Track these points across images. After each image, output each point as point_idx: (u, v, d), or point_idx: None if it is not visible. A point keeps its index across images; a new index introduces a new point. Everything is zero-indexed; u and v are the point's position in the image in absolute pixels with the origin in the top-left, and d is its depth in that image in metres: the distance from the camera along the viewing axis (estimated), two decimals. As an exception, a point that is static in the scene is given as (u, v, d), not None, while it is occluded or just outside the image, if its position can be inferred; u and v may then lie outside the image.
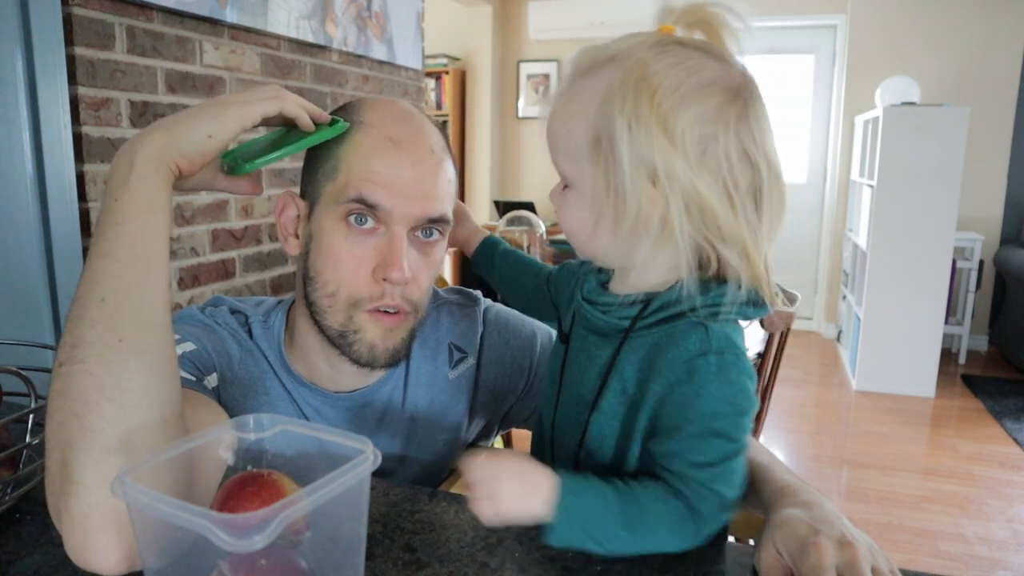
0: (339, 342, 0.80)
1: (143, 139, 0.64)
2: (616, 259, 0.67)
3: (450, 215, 0.82)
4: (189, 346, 0.79)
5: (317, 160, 0.81)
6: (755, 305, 0.63)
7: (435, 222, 0.80)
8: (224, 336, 0.85)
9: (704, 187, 0.58)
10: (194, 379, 0.77)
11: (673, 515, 0.59)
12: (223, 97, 0.70)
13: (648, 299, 0.65)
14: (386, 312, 0.79)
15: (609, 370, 0.66)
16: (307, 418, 0.86)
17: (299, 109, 0.73)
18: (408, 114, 0.82)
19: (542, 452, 0.78)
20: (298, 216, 0.83)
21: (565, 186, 0.66)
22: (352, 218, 0.77)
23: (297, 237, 0.83)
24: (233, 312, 0.90)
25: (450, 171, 0.83)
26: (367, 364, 0.80)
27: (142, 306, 0.60)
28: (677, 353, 0.61)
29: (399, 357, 0.82)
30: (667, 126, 0.57)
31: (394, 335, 0.80)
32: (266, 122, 0.72)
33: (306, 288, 0.81)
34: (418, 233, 0.80)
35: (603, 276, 0.72)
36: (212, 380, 0.80)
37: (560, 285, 0.85)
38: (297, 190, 0.86)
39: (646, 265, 0.64)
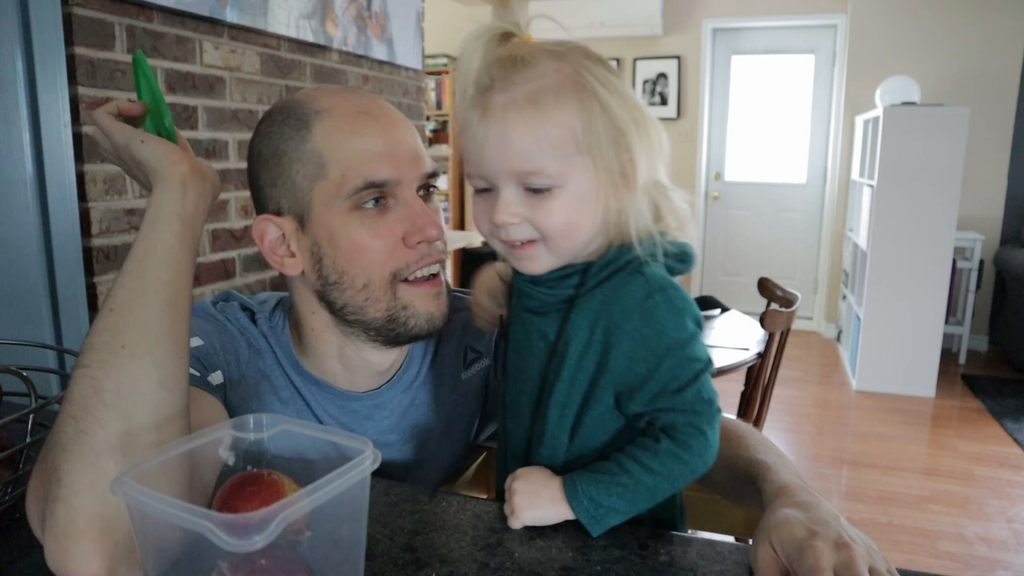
0: (391, 328, 0.80)
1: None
2: (592, 243, 0.68)
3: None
4: (196, 341, 0.79)
5: (286, 171, 0.77)
6: (681, 260, 0.68)
7: (432, 177, 0.83)
8: (234, 334, 0.85)
9: (654, 132, 0.66)
10: (198, 375, 0.77)
11: (667, 458, 0.64)
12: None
13: (586, 267, 0.68)
14: (427, 278, 0.81)
15: (557, 340, 0.69)
16: (318, 418, 0.86)
17: (109, 117, 0.69)
18: (356, 88, 0.85)
19: (505, 445, 0.78)
20: (283, 235, 0.80)
21: (538, 190, 0.64)
22: (367, 204, 0.77)
23: (293, 255, 0.80)
24: (243, 308, 0.89)
25: None
26: (428, 334, 0.82)
27: (145, 316, 0.61)
28: (627, 303, 0.65)
29: (447, 319, 0.84)
30: (625, 86, 0.66)
31: (441, 297, 0.83)
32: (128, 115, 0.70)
33: (331, 296, 0.79)
34: (420, 193, 0.81)
35: None
36: (217, 377, 0.80)
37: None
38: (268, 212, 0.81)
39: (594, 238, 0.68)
